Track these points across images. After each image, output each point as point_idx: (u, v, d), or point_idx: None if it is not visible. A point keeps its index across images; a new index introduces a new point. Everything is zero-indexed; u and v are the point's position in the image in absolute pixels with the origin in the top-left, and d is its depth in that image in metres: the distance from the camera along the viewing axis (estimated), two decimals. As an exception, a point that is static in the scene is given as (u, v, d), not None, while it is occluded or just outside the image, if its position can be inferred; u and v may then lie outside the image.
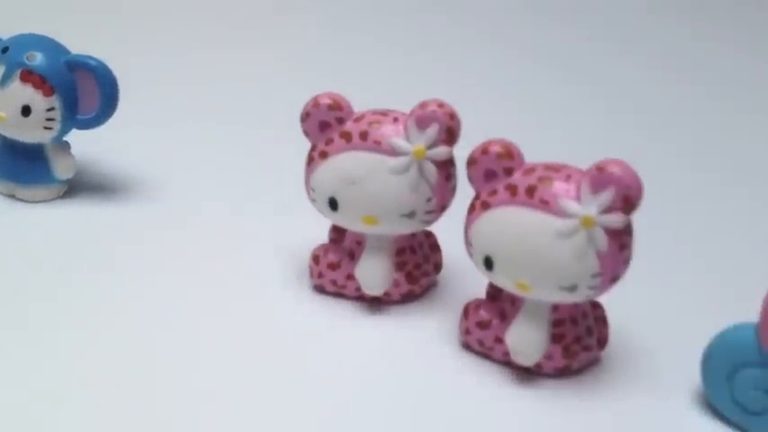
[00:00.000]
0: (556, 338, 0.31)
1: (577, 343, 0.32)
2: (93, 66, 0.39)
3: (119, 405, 0.29)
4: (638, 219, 0.29)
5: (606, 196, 0.29)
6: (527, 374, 0.32)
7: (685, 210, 0.45)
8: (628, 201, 0.29)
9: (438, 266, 0.37)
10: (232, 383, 0.31)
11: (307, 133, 0.34)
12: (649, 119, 0.57)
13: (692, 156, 0.52)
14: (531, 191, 0.30)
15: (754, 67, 0.66)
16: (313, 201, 0.34)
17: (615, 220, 0.29)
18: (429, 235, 0.36)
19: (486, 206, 0.31)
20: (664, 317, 0.35)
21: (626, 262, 0.30)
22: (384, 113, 0.33)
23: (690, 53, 0.69)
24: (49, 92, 0.38)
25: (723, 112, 0.58)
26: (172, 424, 0.29)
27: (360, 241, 0.35)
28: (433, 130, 0.32)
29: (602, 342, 0.33)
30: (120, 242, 0.39)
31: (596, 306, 0.33)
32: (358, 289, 0.35)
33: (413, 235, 0.35)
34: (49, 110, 0.38)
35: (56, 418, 0.29)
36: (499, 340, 0.32)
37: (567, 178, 0.30)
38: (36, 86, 0.38)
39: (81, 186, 0.43)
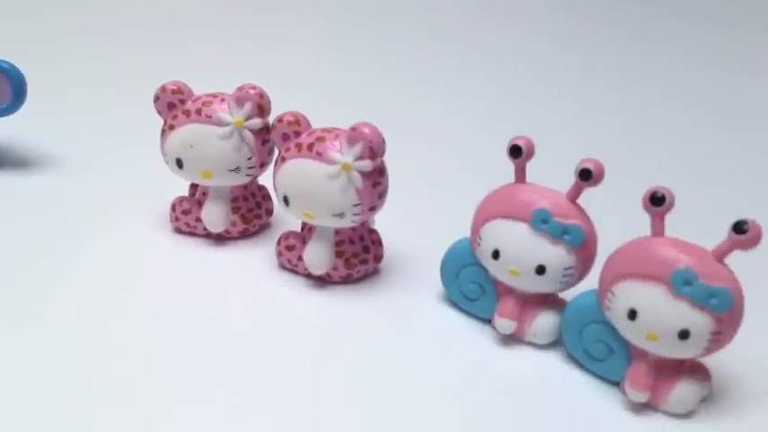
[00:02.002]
0: (338, 254, 0.43)
1: (356, 257, 0.43)
2: (6, 68, 0.50)
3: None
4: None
5: (358, 148, 0.40)
6: (326, 283, 0.43)
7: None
8: (373, 151, 0.40)
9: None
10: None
11: (159, 111, 0.45)
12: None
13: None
14: (310, 147, 0.41)
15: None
16: (166, 162, 0.45)
17: (365, 165, 0.40)
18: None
19: (283, 159, 0.42)
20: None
21: (379, 196, 0.41)
22: (214, 95, 0.44)
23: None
24: (-29, 87, 0.50)
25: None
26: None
27: (205, 192, 0.46)
28: (248, 107, 0.43)
29: (378, 258, 0.44)
30: (29, 205, 0.50)
31: (372, 231, 0.44)
32: (205, 229, 0.46)
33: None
34: (-28, 101, 0.50)
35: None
36: (301, 259, 0.44)
37: (336, 137, 0.41)
38: (-39, 83, 0.49)
39: (1, 162, 0.54)
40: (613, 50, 0.84)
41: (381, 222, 0.45)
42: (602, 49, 0.85)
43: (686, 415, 0.36)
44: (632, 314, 0.35)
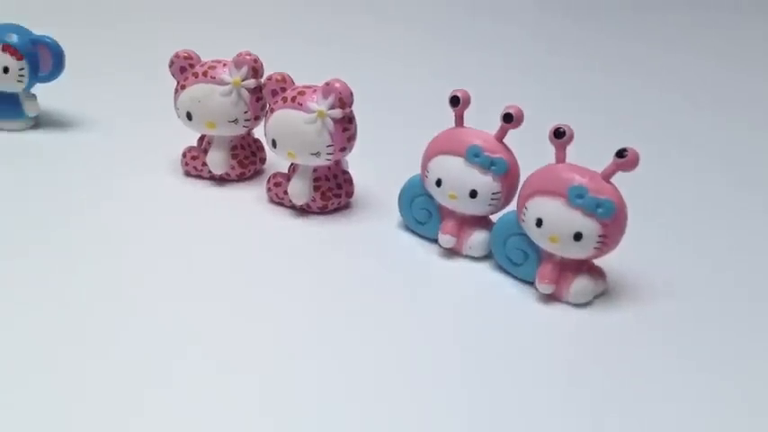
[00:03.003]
0: (316, 188, 0.53)
1: (330, 192, 0.53)
2: (48, 42, 0.60)
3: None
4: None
5: (331, 99, 0.50)
6: (306, 213, 0.53)
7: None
8: (343, 102, 0.50)
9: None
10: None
11: (173, 74, 0.55)
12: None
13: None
14: (293, 99, 0.51)
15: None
16: (179, 116, 0.55)
17: (336, 113, 0.50)
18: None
19: (272, 111, 0.52)
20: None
21: (349, 139, 0.51)
22: (218, 61, 0.54)
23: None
24: (20, 58, 0.60)
25: None
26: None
27: (210, 141, 0.56)
28: (244, 69, 0.54)
29: (349, 194, 0.54)
30: (64, 160, 0.60)
31: (345, 172, 0.54)
32: (209, 172, 0.56)
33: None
34: (20, 69, 0.60)
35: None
36: (286, 193, 0.54)
37: (313, 92, 0.51)
38: (12, 55, 0.60)
39: (42, 121, 0.64)
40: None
41: (353, 165, 0.55)
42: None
43: (583, 305, 0.46)
44: (539, 222, 0.45)
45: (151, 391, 0.38)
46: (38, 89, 0.62)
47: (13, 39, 0.60)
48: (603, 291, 0.47)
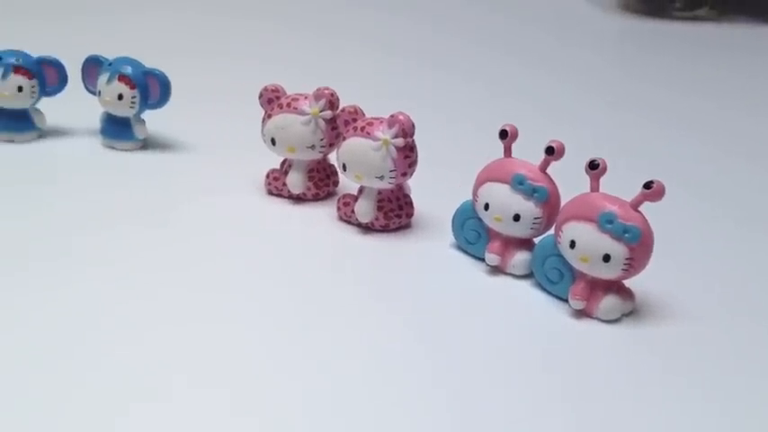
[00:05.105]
0: (380, 209, 0.59)
1: (392, 212, 0.60)
2: (157, 74, 0.69)
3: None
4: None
5: (395, 129, 0.57)
6: (370, 230, 0.60)
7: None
8: (405, 132, 0.57)
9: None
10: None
11: (261, 105, 0.63)
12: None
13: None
14: (363, 129, 0.58)
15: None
16: (264, 142, 0.63)
17: (399, 141, 0.57)
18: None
19: (344, 138, 0.59)
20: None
21: (409, 165, 0.58)
22: (300, 94, 0.62)
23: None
24: (133, 87, 0.69)
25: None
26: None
27: (290, 164, 0.64)
28: (322, 102, 0.61)
29: (409, 215, 0.61)
30: (168, 177, 0.69)
31: (406, 195, 0.61)
32: (289, 191, 0.64)
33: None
34: (132, 97, 0.69)
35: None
36: (353, 212, 0.60)
37: (380, 123, 0.58)
38: (126, 84, 0.69)
39: (150, 143, 0.73)
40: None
41: (414, 189, 0.61)
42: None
43: (611, 321, 0.50)
44: (572, 244, 0.50)
45: (245, 399, 0.45)
46: (146, 115, 0.72)
47: (128, 70, 0.69)
48: (632, 310, 0.51)
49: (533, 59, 1.06)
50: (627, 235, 0.48)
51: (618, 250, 0.49)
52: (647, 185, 0.48)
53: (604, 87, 0.99)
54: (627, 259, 0.49)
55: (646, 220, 0.49)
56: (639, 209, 0.49)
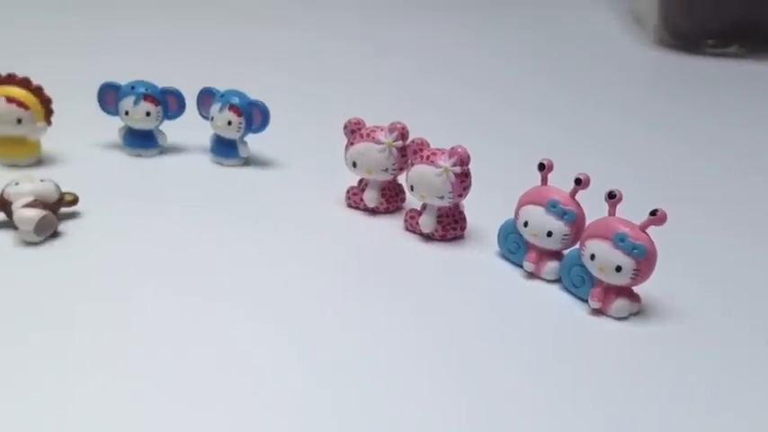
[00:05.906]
0: (439, 222, 0.73)
1: (449, 225, 0.73)
2: (259, 104, 0.84)
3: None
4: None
5: (454, 159, 0.70)
6: (431, 239, 0.74)
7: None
8: (462, 161, 0.70)
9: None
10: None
11: (345, 134, 0.77)
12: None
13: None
14: (428, 157, 0.71)
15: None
16: (346, 164, 0.77)
17: (457, 169, 0.70)
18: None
19: (412, 165, 0.73)
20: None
21: (465, 188, 0.71)
22: (377, 126, 0.76)
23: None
24: (240, 115, 0.83)
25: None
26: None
27: (367, 183, 0.78)
28: (395, 134, 0.75)
29: (463, 228, 0.74)
30: (266, 192, 0.83)
31: (461, 212, 0.74)
32: (365, 205, 0.78)
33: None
34: (239, 123, 0.84)
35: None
36: (418, 223, 0.74)
37: (442, 153, 0.72)
38: (234, 112, 0.84)
39: (251, 161, 0.88)
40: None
41: (468, 207, 0.75)
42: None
43: (621, 319, 0.64)
44: (592, 257, 0.63)
45: (300, 400, 0.59)
46: (249, 137, 0.86)
47: (236, 101, 0.83)
48: (638, 310, 0.64)
49: (575, 90, 1.19)
50: (635, 251, 0.61)
51: (628, 263, 0.62)
52: (653, 212, 0.62)
53: (640, 116, 1.12)
54: (635, 270, 0.62)
55: (651, 240, 0.62)
56: (646, 231, 0.62)
